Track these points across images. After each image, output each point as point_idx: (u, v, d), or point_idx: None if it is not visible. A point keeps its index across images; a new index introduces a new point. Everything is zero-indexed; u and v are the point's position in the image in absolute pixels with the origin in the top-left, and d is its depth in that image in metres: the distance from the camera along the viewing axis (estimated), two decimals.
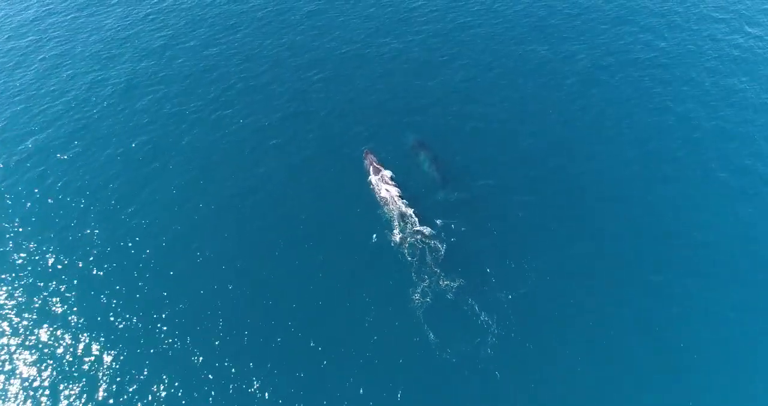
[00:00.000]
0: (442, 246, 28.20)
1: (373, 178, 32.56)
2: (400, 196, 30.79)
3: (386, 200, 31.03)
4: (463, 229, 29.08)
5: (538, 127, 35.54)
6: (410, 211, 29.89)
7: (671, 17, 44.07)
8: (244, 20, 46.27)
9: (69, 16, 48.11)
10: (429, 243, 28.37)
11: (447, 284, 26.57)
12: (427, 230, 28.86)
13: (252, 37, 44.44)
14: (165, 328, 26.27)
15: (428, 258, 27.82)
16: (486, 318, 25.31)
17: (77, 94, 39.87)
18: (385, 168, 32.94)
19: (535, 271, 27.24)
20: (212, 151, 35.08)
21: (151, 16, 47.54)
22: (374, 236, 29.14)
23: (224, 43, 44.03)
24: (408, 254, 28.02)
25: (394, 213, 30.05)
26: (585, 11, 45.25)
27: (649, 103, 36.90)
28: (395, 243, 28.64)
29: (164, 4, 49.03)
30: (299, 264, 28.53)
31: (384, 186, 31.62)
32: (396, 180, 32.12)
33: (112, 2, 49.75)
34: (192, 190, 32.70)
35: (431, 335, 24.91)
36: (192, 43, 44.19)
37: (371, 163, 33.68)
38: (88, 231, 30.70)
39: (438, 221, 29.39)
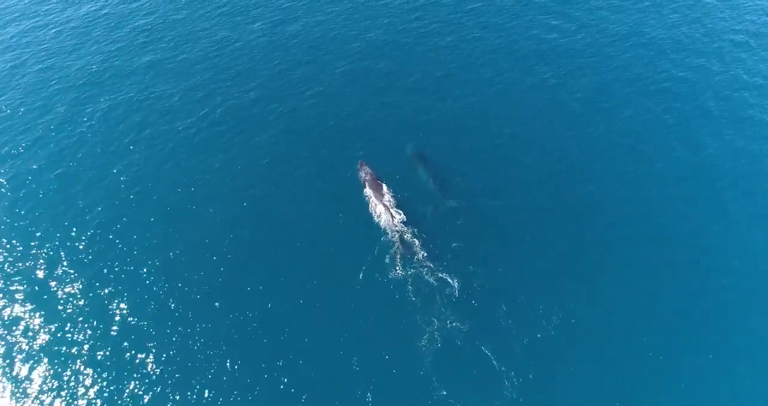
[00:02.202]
0: (453, 281, 24.55)
1: (370, 194, 29.12)
2: (403, 223, 27.31)
3: (385, 222, 27.58)
4: (470, 257, 25.54)
5: (541, 141, 32.11)
6: (416, 241, 26.29)
7: (678, 36, 39.68)
8: (234, 34, 41.65)
9: (53, 30, 43.30)
10: (436, 276, 24.73)
11: (456, 327, 23.09)
12: (432, 263, 25.25)
13: (242, 51, 39.96)
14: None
15: (436, 296, 24.17)
16: (502, 368, 21.80)
17: (60, 112, 35.72)
18: (382, 180, 29.60)
19: (551, 310, 23.73)
20: (200, 171, 31.25)
21: (137, 31, 42.81)
22: (374, 269, 25.43)
23: (214, 58, 39.62)
24: (412, 292, 24.37)
25: (396, 240, 26.54)
26: (587, 26, 40.83)
27: (658, 118, 33.30)
28: (397, 277, 24.99)
29: (152, 18, 44.16)
30: (285, 301, 24.90)
31: (385, 211, 28.13)
32: (393, 194, 28.77)
33: (99, 15, 44.91)
34: (176, 215, 29.09)
35: (442, 391, 21.41)
36: (182, 57, 39.77)
37: (367, 176, 30.26)
38: (65, 263, 27.20)
39: (443, 249, 25.90)
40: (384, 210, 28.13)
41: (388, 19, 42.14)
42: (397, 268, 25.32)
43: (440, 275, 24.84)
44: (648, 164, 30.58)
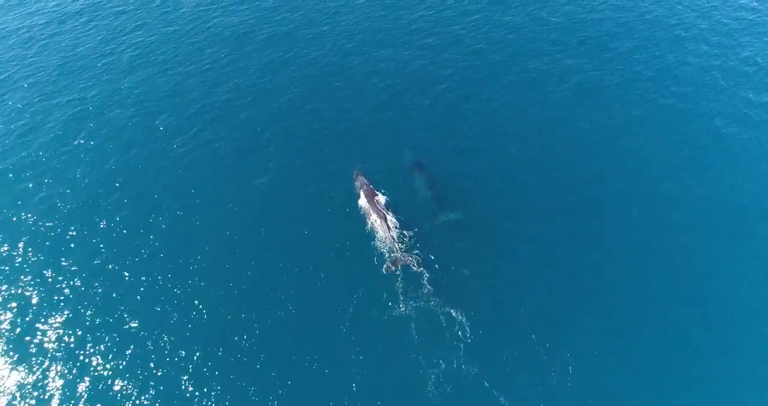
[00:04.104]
0: (459, 316, 21.89)
1: (366, 205, 26.58)
2: (401, 239, 24.86)
3: (382, 239, 25.12)
4: (476, 285, 23.19)
5: (541, 150, 29.71)
6: (416, 266, 23.61)
7: (683, 48, 36.28)
8: (226, 48, 38.03)
9: (38, 45, 39.45)
10: (441, 310, 22.07)
11: (465, 369, 20.55)
12: (436, 294, 22.59)
13: (234, 65, 36.49)
14: None
15: (443, 333, 21.47)
16: None
17: (44, 131, 32.41)
18: (378, 191, 27.14)
19: (566, 349, 21.27)
20: (190, 191, 28.52)
21: (125, 45, 38.99)
22: (371, 301, 22.77)
23: (205, 72, 36.12)
24: (415, 329, 21.70)
25: (395, 266, 24.04)
26: (589, 39, 37.36)
27: (664, 126, 30.69)
28: (399, 313, 22.24)
29: (140, 31, 40.29)
30: (272, 339, 22.24)
31: (381, 223, 25.59)
32: (390, 206, 26.34)
33: (86, 29, 40.97)
34: (164, 236, 26.48)
35: None
36: (171, 72, 36.25)
37: (362, 186, 27.66)
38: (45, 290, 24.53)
39: (445, 273, 23.39)
40: (380, 222, 25.64)
41: (385, 31, 38.67)
42: (400, 304, 22.63)
43: (445, 308, 22.20)
44: (655, 177, 28.18)
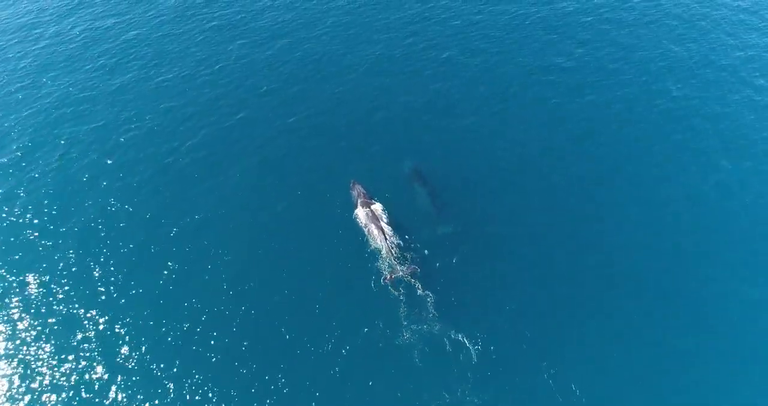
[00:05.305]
0: (466, 340, 20.75)
1: (362, 216, 25.50)
2: (401, 253, 24.12)
3: (381, 252, 24.18)
4: (481, 304, 21.96)
5: (543, 155, 28.76)
6: (428, 294, 22.46)
7: (686, 54, 34.71)
8: (217, 54, 36.33)
9: (20, 51, 37.66)
10: (445, 334, 20.89)
11: (471, 401, 19.51)
12: (439, 316, 21.41)
13: (226, 72, 34.86)
14: None
15: (449, 361, 20.28)
16: None
17: (23, 142, 30.66)
18: (375, 200, 26.10)
19: (578, 378, 20.19)
20: (177, 204, 27.17)
21: (112, 51, 37.24)
22: (367, 323, 21.64)
23: (195, 79, 34.53)
24: (418, 355, 20.65)
25: (394, 285, 22.95)
26: (590, 41, 36.02)
27: (665, 129, 29.68)
28: (403, 340, 21.02)
29: (129, 36, 38.51)
30: (257, 371, 20.88)
31: (378, 233, 24.59)
32: (388, 216, 25.30)
33: (72, 34, 38.98)
34: (148, 255, 25.04)
35: None
36: (159, 79, 34.59)
37: (359, 196, 26.52)
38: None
39: (449, 293, 22.28)
40: (377, 234, 24.54)
41: (383, 34, 37.30)
42: (403, 330, 21.49)
43: (449, 332, 20.99)
44: (655, 180, 27.31)
